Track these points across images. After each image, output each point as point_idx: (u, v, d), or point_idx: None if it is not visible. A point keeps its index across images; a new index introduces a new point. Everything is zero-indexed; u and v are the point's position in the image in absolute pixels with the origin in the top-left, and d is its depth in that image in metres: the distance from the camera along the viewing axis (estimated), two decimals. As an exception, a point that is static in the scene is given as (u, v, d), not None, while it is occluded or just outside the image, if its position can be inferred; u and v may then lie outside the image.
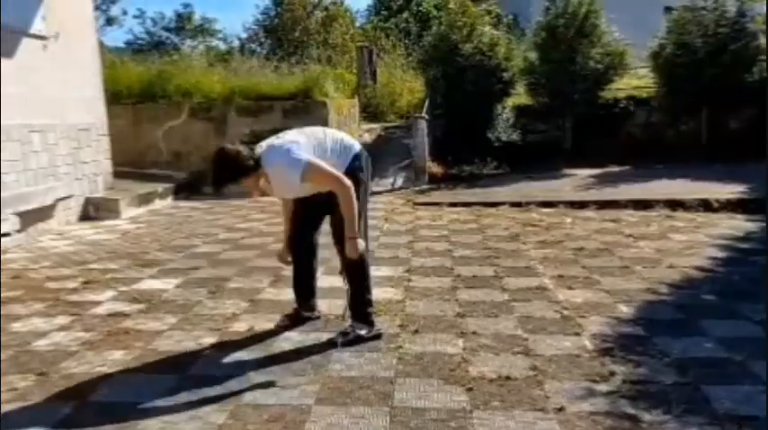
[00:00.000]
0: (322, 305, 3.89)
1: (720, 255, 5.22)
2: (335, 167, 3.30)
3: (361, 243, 3.32)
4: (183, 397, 2.84)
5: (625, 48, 11.23)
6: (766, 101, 9.34)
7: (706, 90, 10.32)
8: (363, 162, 3.51)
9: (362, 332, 3.45)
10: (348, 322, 3.56)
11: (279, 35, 24.54)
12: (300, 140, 3.31)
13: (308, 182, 3.22)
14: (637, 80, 12.64)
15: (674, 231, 6.21)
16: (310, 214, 3.60)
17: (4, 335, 3.72)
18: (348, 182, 3.23)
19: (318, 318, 3.82)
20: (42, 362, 3.30)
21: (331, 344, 3.41)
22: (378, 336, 3.47)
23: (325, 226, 3.62)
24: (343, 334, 3.46)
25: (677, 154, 10.34)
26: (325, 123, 9.93)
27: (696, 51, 10.49)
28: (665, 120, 11.39)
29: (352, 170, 3.40)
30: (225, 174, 3.20)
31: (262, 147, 3.32)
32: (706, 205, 7.24)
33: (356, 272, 3.49)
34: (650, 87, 11.80)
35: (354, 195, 3.23)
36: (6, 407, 2.80)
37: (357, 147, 3.53)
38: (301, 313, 3.79)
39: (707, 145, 10.77)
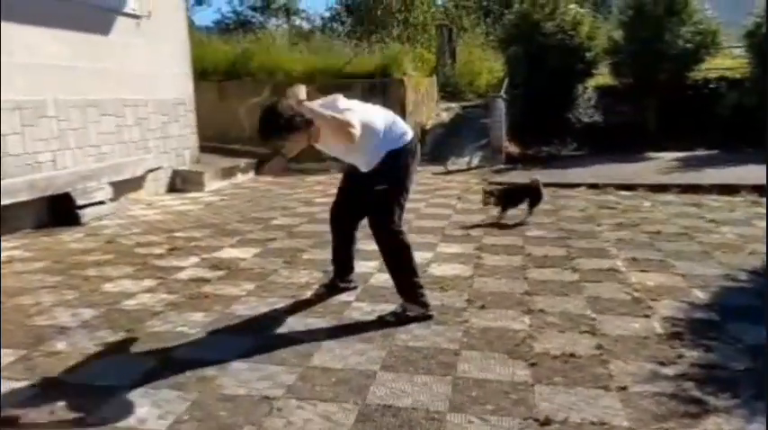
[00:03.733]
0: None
1: (808, 243, 4.99)
2: (381, 136, 3.35)
3: (299, 92, 3.17)
4: (257, 357, 3.00)
5: (718, 26, 10.73)
6: None
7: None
8: (413, 147, 3.50)
9: (411, 314, 3.44)
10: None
11: (360, 14, 24.63)
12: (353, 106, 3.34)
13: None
14: (731, 60, 12.06)
15: (759, 218, 5.96)
16: (351, 201, 3.68)
17: (92, 295, 4.02)
18: (355, 125, 3.13)
19: (355, 288, 3.93)
20: (130, 319, 3.55)
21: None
22: (429, 317, 3.44)
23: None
24: (395, 313, 3.47)
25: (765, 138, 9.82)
26: (402, 101, 10.02)
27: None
28: (758, 103, 10.83)
29: (403, 150, 3.41)
30: (273, 127, 3.21)
31: (341, 104, 3.32)
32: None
33: (396, 258, 3.48)
34: (744, 68, 11.24)
35: (350, 132, 3.11)
36: (97, 360, 3.04)
37: (410, 133, 3.53)
38: (337, 283, 3.91)
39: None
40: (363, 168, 3.48)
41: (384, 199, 3.41)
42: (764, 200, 6.72)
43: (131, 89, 7.60)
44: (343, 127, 3.13)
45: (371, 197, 3.43)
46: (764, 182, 7.16)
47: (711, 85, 11.17)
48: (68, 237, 5.65)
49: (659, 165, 9.05)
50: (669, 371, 2.82)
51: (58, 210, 6.17)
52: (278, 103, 3.26)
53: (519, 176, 8.68)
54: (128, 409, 2.53)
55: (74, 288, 4.14)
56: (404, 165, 3.44)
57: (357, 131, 3.14)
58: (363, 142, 3.27)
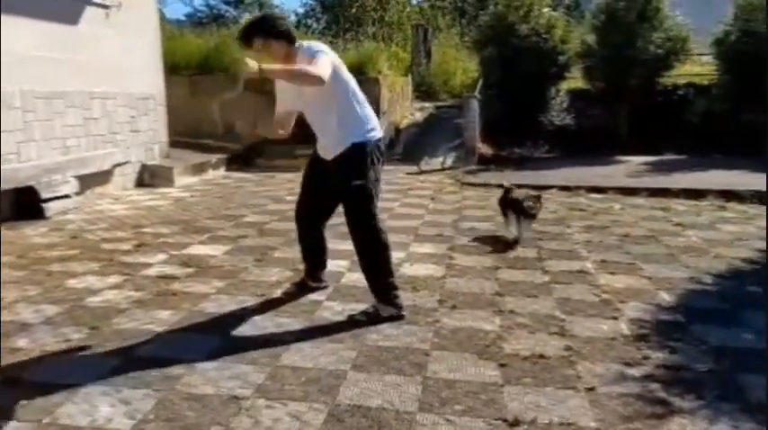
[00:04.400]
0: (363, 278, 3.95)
1: (772, 248, 5.10)
2: (356, 108, 3.36)
3: (252, 65, 2.99)
4: (225, 356, 2.96)
5: (688, 33, 10.92)
6: None
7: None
8: (381, 146, 3.47)
9: (384, 314, 3.41)
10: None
11: (335, 11, 24.58)
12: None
13: (311, 62, 3.13)
14: (699, 67, 12.28)
15: (724, 222, 6.07)
16: (318, 200, 3.66)
17: (56, 292, 3.93)
18: (323, 72, 3.09)
19: (326, 287, 3.90)
20: (94, 317, 3.48)
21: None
22: (400, 317, 3.42)
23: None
24: (366, 313, 3.45)
25: (736, 144, 10.03)
26: (377, 100, 10.00)
27: (762, 40, 10.11)
28: (726, 110, 11.04)
29: (369, 143, 3.38)
30: (252, 25, 3.25)
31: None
32: (761, 197, 7.03)
33: (373, 257, 3.46)
34: (712, 75, 11.45)
35: (313, 75, 3.07)
36: (59, 357, 2.97)
37: (380, 131, 3.50)
38: (309, 283, 3.88)
39: (768, 136, 10.41)
40: (329, 151, 3.42)
41: (362, 195, 3.37)
42: (731, 205, 6.86)
43: (100, 81, 7.45)
44: (310, 71, 3.08)
45: (347, 194, 3.40)
46: (730, 187, 7.33)
47: (680, 91, 11.36)
48: (32, 232, 5.53)
49: (629, 168, 9.17)
50: (635, 372, 2.85)
51: (22, 204, 6.02)
52: (271, 14, 3.23)
53: (491, 177, 8.74)
54: (92, 408, 2.48)
55: (37, 283, 4.05)
56: (370, 160, 3.38)
57: (326, 71, 3.10)
58: (337, 102, 3.29)
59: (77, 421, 2.38)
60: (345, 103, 3.36)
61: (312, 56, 3.19)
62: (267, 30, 3.27)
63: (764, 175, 7.66)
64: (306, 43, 3.35)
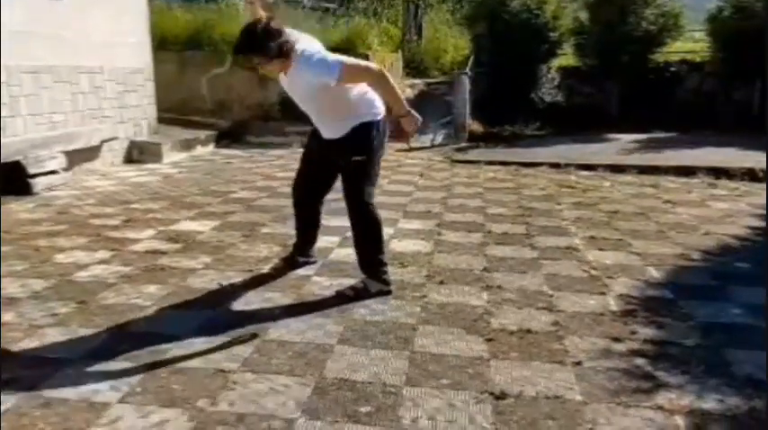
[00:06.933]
0: (352, 254, 3.94)
1: (760, 224, 5.11)
2: (359, 98, 3.31)
3: (417, 115, 3.26)
4: (213, 331, 2.96)
5: (681, 9, 10.87)
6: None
7: (761, 58, 9.95)
8: (383, 125, 3.43)
9: (372, 290, 3.41)
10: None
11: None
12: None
13: (346, 80, 3.14)
14: (692, 43, 12.24)
15: (714, 199, 6.09)
16: (320, 174, 3.60)
17: (43, 266, 3.90)
18: (376, 67, 3.23)
19: (314, 263, 3.89)
20: (82, 291, 3.46)
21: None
22: (387, 293, 3.42)
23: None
24: (354, 288, 3.44)
25: (728, 122, 10.04)
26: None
27: (755, 16, 10.07)
28: (718, 87, 11.04)
29: (372, 124, 3.35)
30: (251, 44, 3.10)
31: (294, 36, 3.22)
32: (751, 175, 7.06)
33: (367, 231, 3.44)
34: (705, 52, 11.42)
35: (389, 75, 3.20)
36: (47, 331, 2.95)
37: (383, 110, 3.44)
38: (297, 258, 3.87)
39: (758, 115, 10.43)
40: (327, 133, 3.39)
41: (362, 170, 3.35)
42: (721, 182, 6.88)
43: (87, 56, 7.34)
44: (375, 76, 3.19)
45: (347, 167, 3.37)
46: (721, 165, 7.35)
47: (673, 68, 11.32)
48: (19, 207, 5.48)
49: (620, 145, 9.17)
50: (622, 347, 2.86)
51: (9, 179, 5.94)
52: (269, 24, 3.12)
53: (481, 154, 8.72)
54: (79, 381, 2.47)
55: (24, 258, 4.02)
56: (373, 139, 3.35)
57: (376, 67, 3.21)
58: (345, 92, 3.25)
59: (64, 394, 2.38)
60: (351, 91, 3.30)
61: (329, 75, 3.10)
62: (263, 53, 3.10)
63: (755, 153, 7.71)
64: (299, 49, 3.18)
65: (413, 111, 3.26)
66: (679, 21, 10.94)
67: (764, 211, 5.50)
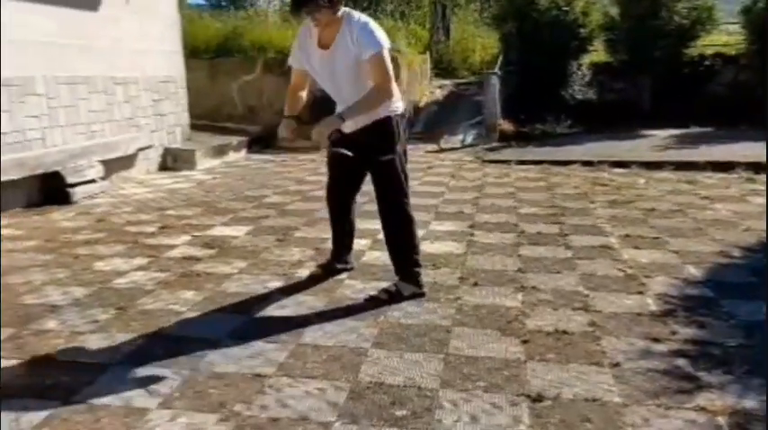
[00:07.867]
0: (384, 256, 3.94)
1: (802, 219, 4.99)
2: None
3: (323, 131, 3.12)
4: (248, 335, 2.98)
5: (713, 1, 10.65)
6: None
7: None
8: (402, 119, 3.43)
9: (405, 293, 3.39)
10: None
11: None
12: None
13: (372, 63, 3.14)
14: (726, 36, 11.99)
15: (754, 194, 5.96)
16: (348, 175, 3.59)
17: (83, 274, 3.98)
18: (393, 84, 3.20)
19: (352, 269, 3.88)
20: (121, 297, 3.52)
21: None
22: (421, 295, 3.41)
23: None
24: (387, 291, 3.42)
25: (764, 116, 9.79)
26: (395, 78, 9.91)
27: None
28: (754, 80, 10.78)
29: (399, 117, 3.36)
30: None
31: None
32: (792, 168, 6.88)
33: (401, 231, 3.43)
34: (740, 44, 11.18)
35: (389, 97, 3.21)
36: (87, 337, 3.01)
37: (403, 105, 3.45)
38: (334, 265, 3.85)
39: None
40: (356, 122, 3.32)
41: (392, 169, 3.34)
42: (761, 177, 6.71)
43: (121, 66, 7.48)
44: (386, 85, 3.17)
45: (376, 168, 3.37)
46: (760, 159, 7.16)
47: (707, 62, 11.10)
48: (59, 216, 5.60)
49: (653, 142, 9.03)
50: (662, 347, 2.81)
51: (49, 189, 6.10)
52: None
53: (512, 154, 8.66)
54: (119, 387, 2.51)
55: (64, 266, 4.11)
56: (397, 134, 3.34)
57: (391, 79, 3.19)
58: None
59: (105, 400, 2.42)
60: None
61: (368, 46, 3.12)
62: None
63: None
64: (356, 16, 3.21)
65: (338, 126, 3.14)
66: (712, 14, 10.74)
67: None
